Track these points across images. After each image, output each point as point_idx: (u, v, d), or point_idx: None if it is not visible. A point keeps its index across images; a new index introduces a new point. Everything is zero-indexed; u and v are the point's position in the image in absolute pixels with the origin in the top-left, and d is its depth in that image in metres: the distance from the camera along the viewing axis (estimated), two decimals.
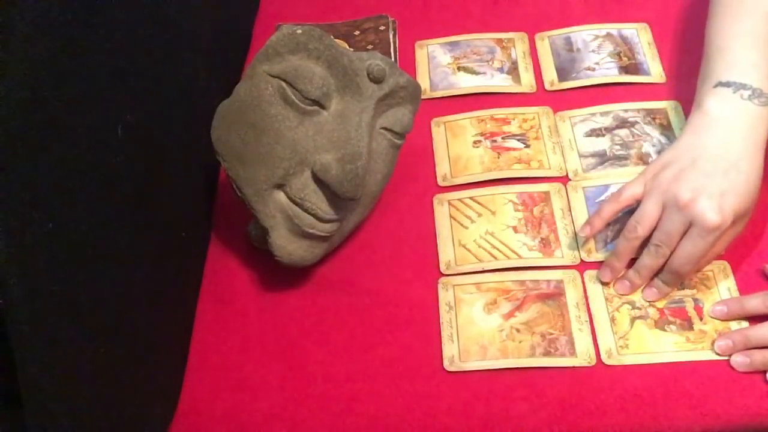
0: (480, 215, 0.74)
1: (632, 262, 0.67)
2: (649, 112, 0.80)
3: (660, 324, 0.65)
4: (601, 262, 0.69)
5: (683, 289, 0.66)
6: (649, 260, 0.65)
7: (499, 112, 0.82)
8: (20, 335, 0.44)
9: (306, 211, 0.64)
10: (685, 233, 0.63)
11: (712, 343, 0.63)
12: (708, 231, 0.62)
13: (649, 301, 0.66)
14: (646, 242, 0.66)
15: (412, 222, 0.74)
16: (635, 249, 0.66)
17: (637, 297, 0.66)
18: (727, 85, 0.67)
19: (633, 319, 0.65)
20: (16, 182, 0.43)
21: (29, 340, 0.45)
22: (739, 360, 0.61)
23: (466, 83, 0.85)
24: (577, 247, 0.70)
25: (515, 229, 0.72)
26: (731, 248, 0.68)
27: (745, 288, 0.66)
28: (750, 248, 0.68)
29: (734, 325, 0.64)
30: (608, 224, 0.69)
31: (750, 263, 0.68)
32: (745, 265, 0.68)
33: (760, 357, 0.60)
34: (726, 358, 0.62)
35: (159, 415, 0.63)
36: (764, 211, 0.70)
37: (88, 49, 0.52)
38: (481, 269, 0.70)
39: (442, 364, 0.64)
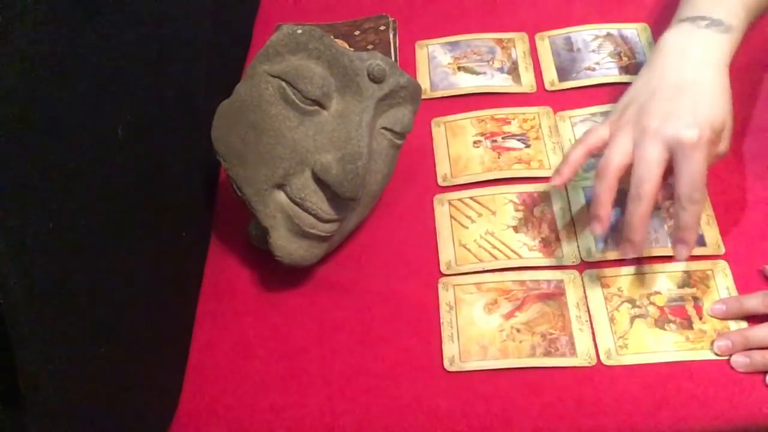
0: (480, 215, 0.74)
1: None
2: None
3: (660, 323, 0.65)
4: (602, 262, 0.69)
5: (683, 287, 0.66)
6: (634, 207, 0.61)
7: (500, 112, 0.82)
8: (20, 335, 0.44)
9: (306, 211, 0.64)
10: (664, 164, 0.60)
11: (712, 343, 0.63)
12: (691, 148, 0.59)
13: (682, 260, 0.62)
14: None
15: (413, 222, 0.74)
16: (612, 188, 0.62)
17: (637, 295, 0.66)
18: (686, 20, 0.67)
19: (633, 318, 0.65)
20: (16, 182, 0.43)
21: (29, 340, 0.45)
22: (739, 360, 0.61)
23: (466, 83, 0.85)
24: (578, 247, 0.70)
25: (515, 229, 0.72)
26: (731, 248, 0.68)
27: (744, 288, 0.66)
28: (750, 248, 0.68)
29: (733, 325, 0.64)
30: (610, 221, 0.67)
31: (750, 263, 0.68)
32: (744, 265, 0.67)
33: (760, 357, 0.60)
34: (725, 358, 0.62)
35: (159, 415, 0.63)
36: (764, 211, 0.70)
37: (88, 49, 0.52)
38: (481, 269, 0.70)
39: (442, 364, 0.64)
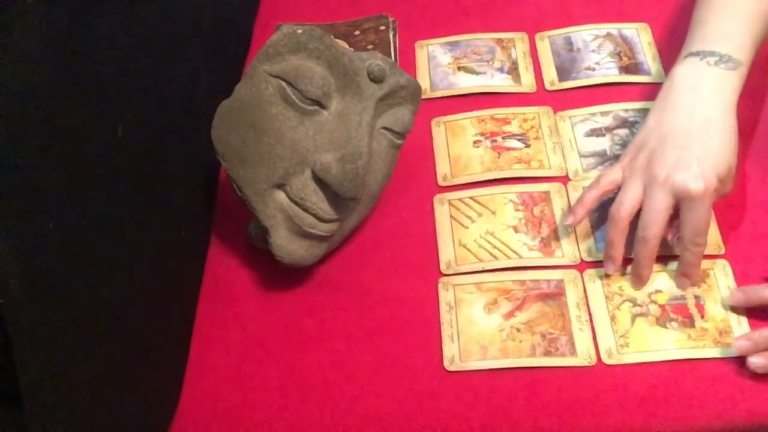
0: (480, 215, 0.74)
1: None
2: None
3: (661, 321, 0.65)
4: (602, 261, 0.69)
5: None
6: (641, 248, 0.65)
7: (500, 112, 0.82)
8: (20, 335, 0.44)
9: (306, 210, 0.64)
10: (671, 210, 0.63)
11: (715, 342, 0.63)
12: (697, 199, 0.61)
13: (684, 291, 0.66)
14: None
15: (413, 222, 0.74)
16: (624, 232, 0.65)
17: (638, 294, 0.66)
18: (696, 54, 0.68)
19: (634, 317, 0.65)
20: (16, 182, 0.43)
21: (29, 340, 0.45)
22: (758, 362, 0.60)
23: (466, 83, 0.85)
24: (578, 247, 0.70)
25: (515, 229, 0.72)
26: (731, 248, 0.68)
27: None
28: (750, 248, 0.68)
29: (734, 325, 0.64)
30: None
31: (750, 263, 0.68)
32: (745, 264, 0.67)
33: None
34: (727, 357, 0.62)
35: (159, 415, 0.63)
36: (764, 211, 0.70)
37: (88, 49, 0.52)
38: (481, 269, 0.70)
39: (442, 363, 0.64)
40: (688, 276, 0.66)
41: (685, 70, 0.68)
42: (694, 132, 0.64)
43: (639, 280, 0.66)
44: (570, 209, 0.70)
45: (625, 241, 0.66)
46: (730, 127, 0.65)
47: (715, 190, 0.63)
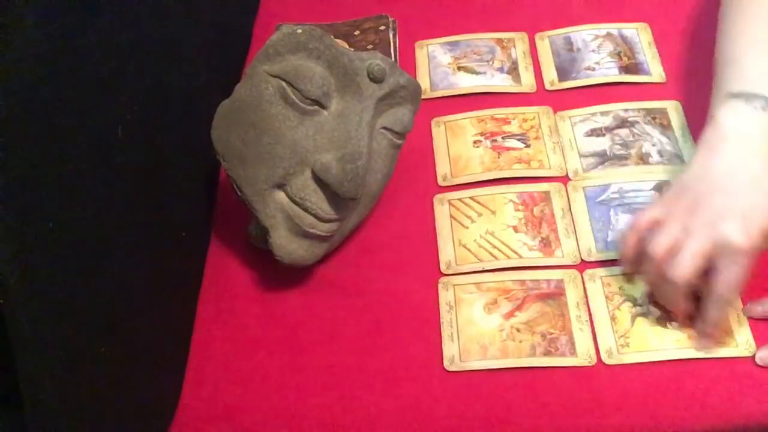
0: (480, 215, 0.74)
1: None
2: (649, 112, 0.79)
3: (661, 321, 0.65)
4: (602, 261, 0.69)
5: None
6: (667, 286, 0.62)
7: (500, 112, 0.82)
8: (20, 335, 0.44)
9: (306, 210, 0.64)
10: (706, 258, 0.60)
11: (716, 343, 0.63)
12: (738, 254, 0.59)
13: (705, 354, 0.63)
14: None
15: (413, 222, 0.74)
16: (659, 274, 0.62)
17: (638, 293, 0.66)
18: (738, 96, 0.65)
19: (634, 317, 0.65)
20: (16, 182, 0.43)
21: (29, 340, 0.45)
22: (764, 356, 0.61)
23: (466, 83, 0.85)
24: (578, 247, 0.70)
25: (515, 229, 0.72)
26: None
27: (744, 287, 0.66)
28: None
29: (734, 325, 0.64)
30: (611, 221, 0.70)
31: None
32: None
33: None
34: (729, 357, 0.62)
35: (159, 415, 0.63)
36: None
37: (88, 49, 0.52)
38: (481, 269, 0.70)
39: (442, 363, 0.64)
40: (709, 336, 0.62)
41: (731, 114, 0.64)
42: (742, 183, 0.61)
43: (681, 317, 0.64)
44: (620, 257, 0.67)
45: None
46: None
47: (757, 247, 0.59)
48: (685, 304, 0.62)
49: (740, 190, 0.61)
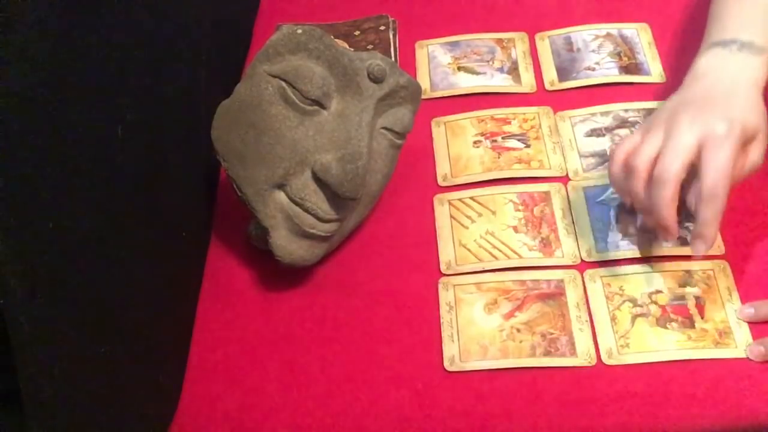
0: (480, 215, 0.74)
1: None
2: (649, 112, 0.79)
3: (661, 322, 0.65)
4: (602, 261, 0.69)
5: (684, 286, 0.66)
6: (656, 191, 0.60)
7: (500, 112, 0.82)
8: (20, 335, 0.44)
9: (306, 211, 0.64)
10: (692, 153, 0.60)
11: (714, 343, 0.63)
12: (721, 139, 0.59)
13: (699, 253, 0.62)
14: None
15: (413, 222, 0.74)
16: (645, 181, 0.62)
17: (638, 294, 0.66)
18: (717, 44, 0.67)
19: (634, 317, 0.65)
20: (16, 182, 0.43)
21: (29, 340, 0.45)
22: (756, 349, 0.61)
23: (466, 83, 0.85)
24: (578, 247, 0.70)
25: (515, 229, 0.72)
26: (731, 248, 0.68)
27: (745, 287, 0.66)
28: (750, 248, 0.68)
29: (734, 325, 0.64)
30: (611, 221, 0.70)
31: (750, 263, 0.68)
32: (745, 264, 0.67)
33: None
34: (731, 357, 0.62)
35: (159, 415, 0.63)
36: (764, 212, 0.70)
37: (88, 49, 0.52)
38: (481, 269, 0.70)
39: (442, 364, 0.64)
40: (704, 237, 0.61)
41: (708, 58, 0.66)
42: (718, 94, 0.62)
43: (668, 233, 0.62)
44: (617, 191, 0.66)
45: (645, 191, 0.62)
46: (756, 100, 0.62)
47: (739, 137, 0.59)
48: (674, 216, 0.61)
49: (717, 100, 0.62)
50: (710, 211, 0.60)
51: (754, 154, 0.62)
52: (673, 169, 0.59)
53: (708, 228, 0.60)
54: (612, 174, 0.66)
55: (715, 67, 0.66)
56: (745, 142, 0.61)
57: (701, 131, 0.60)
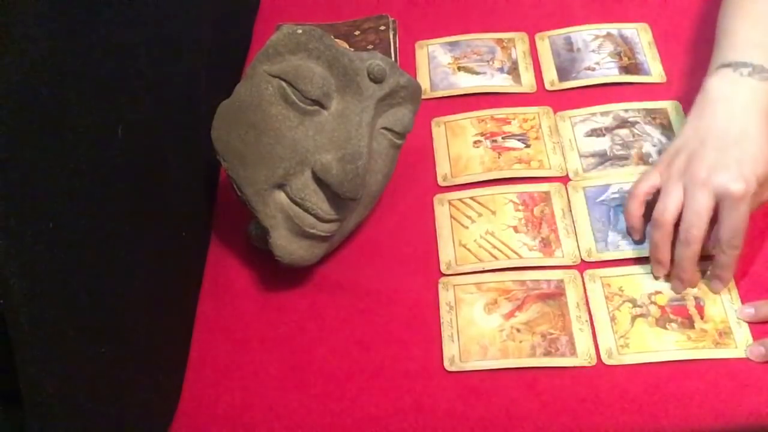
0: (480, 215, 0.74)
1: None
2: (650, 112, 0.79)
3: (661, 322, 0.65)
4: (602, 262, 0.69)
5: None
6: (684, 250, 0.64)
7: (500, 112, 0.82)
8: (20, 335, 0.44)
9: (306, 211, 0.64)
10: (712, 211, 0.63)
11: (714, 343, 0.63)
12: (737, 200, 0.61)
13: (719, 294, 0.66)
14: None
15: (413, 222, 0.74)
16: (669, 236, 0.65)
17: (638, 294, 0.66)
18: (728, 65, 0.68)
19: (634, 318, 0.65)
20: (16, 182, 0.43)
21: (29, 340, 0.45)
22: (756, 350, 0.62)
23: (466, 83, 0.85)
24: (578, 247, 0.70)
25: (516, 229, 0.72)
26: None
27: (744, 287, 0.66)
28: (750, 248, 0.68)
29: (735, 325, 0.64)
30: (611, 221, 0.71)
31: (750, 263, 0.68)
32: (744, 264, 0.67)
33: None
34: (731, 357, 0.62)
35: (159, 415, 0.63)
36: (764, 212, 0.70)
37: (88, 49, 0.52)
38: (481, 269, 0.70)
39: (442, 364, 0.64)
40: (721, 279, 0.65)
41: (719, 81, 0.68)
42: (732, 136, 0.64)
43: (680, 284, 0.66)
44: (630, 228, 0.69)
45: (669, 245, 0.66)
46: (766, 134, 0.65)
47: (754, 193, 0.62)
48: (695, 268, 0.65)
49: (731, 143, 0.64)
50: (728, 258, 0.64)
51: (765, 194, 0.65)
52: (696, 233, 0.63)
53: (726, 272, 0.65)
54: (630, 211, 0.69)
55: (727, 96, 0.67)
56: (758, 190, 0.63)
57: (719, 191, 0.62)
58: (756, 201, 0.64)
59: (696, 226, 0.63)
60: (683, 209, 0.64)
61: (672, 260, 0.66)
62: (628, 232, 0.70)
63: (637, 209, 0.68)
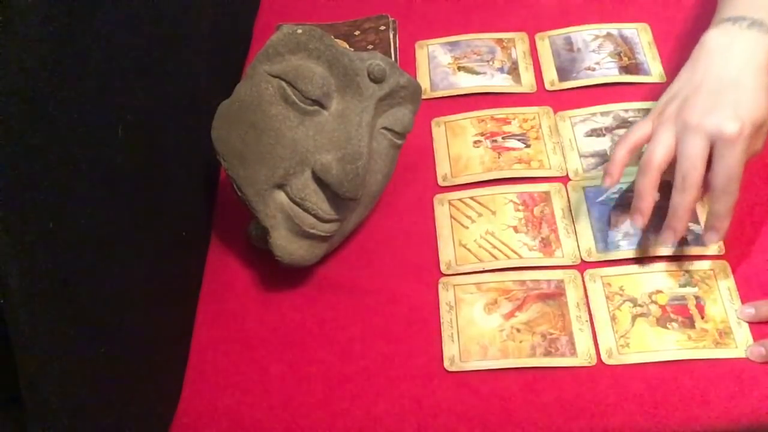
0: (480, 215, 0.74)
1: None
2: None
3: (662, 322, 0.65)
4: (602, 262, 0.69)
5: (685, 287, 0.66)
6: (679, 196, 0.62)
7: (500, 112, 0.82)
8: (20, 335, 0.44)
9: (306, 211, 0.64)
10: (707, 155, 0.61)
11: (714, 343, 0.63)
12: (731, 141, 0.60)
13: (712, 244, 0.65)
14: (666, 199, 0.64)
15: (413, 222, 0.74)
16: (655, 184, 0.64)
17: (638, 294, 0.66)
18: (727, 20, 0.67)
19: (634, 317, 0.65)
20: (16, 182, 0.43)
21: (29, 340, 0.45)
22: (756, 350, 0.61)
23: (466, 83, 0.85)
24: (578, 247, 0.70)
25: (516, 229, 0.72)
26: (731, 248, 0.68)
27: (745, 287, 0.66)
28: (750, 248, 0.68)
29: (734, 326, 0.64)
30: (611, 221, 0.69)
31: (750, 263, 0.68)
32: (744, 264, 0.67)
33: None
34: (730, 357, 0.62)
35: (159, 415, 0.63)
36: (763, 212, 0.70)
37: (88, 49, 0.52)
38: (481, 269, 0.70)
39: (442, 364, 0.64)
40: (716, 229, 0.63)
41: (717, 33, 0.67)
42: (727, 82, 0.63)
43: (672, 234, 0.64)
44: (605, 170, 0.68)
45: (655, 193, 0.64)
46: (763, 85, 0.63)
47: (749, 135, 0.61)
48: (687, 220, 0.64)
49: (726, 88, 0.63)
50: (723, 206, 0.62)
51: (758, 144, 0.64)
52: (693, 179, 0.62)
53: (720, 221, 0.63)
54: (614, 156, 0.67)
55: (724, 46, 0.66)
56: (753, 134, 0.62)
57: (712, 133, 0.61)
58: (750, 149, 0.63)
59: (691, 173, 0.61)
60: (677, 157, 0.63)
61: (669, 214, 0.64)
62: (603, 180, 0.67)
63: (622, 155, 0.66)
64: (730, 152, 0.60)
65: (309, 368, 0.65)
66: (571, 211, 0.73)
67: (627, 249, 0.69)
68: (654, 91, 0.82)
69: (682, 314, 0.65)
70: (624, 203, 0.72)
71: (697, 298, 0.66)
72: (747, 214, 0.70)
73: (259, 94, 0.63)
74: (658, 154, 0.63)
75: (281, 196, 0.65)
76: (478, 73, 0.86)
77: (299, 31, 0.63)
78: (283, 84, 0.63)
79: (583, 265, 0.69)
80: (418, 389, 0.63)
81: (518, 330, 0.65)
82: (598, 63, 0.85)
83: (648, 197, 0.64)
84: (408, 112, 0.67)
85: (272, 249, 0.66)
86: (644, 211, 0.65)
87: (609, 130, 0.79)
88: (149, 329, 0.61)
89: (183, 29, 0.72)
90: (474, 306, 0.67)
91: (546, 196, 0.74)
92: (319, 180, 0.63)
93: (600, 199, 0.73)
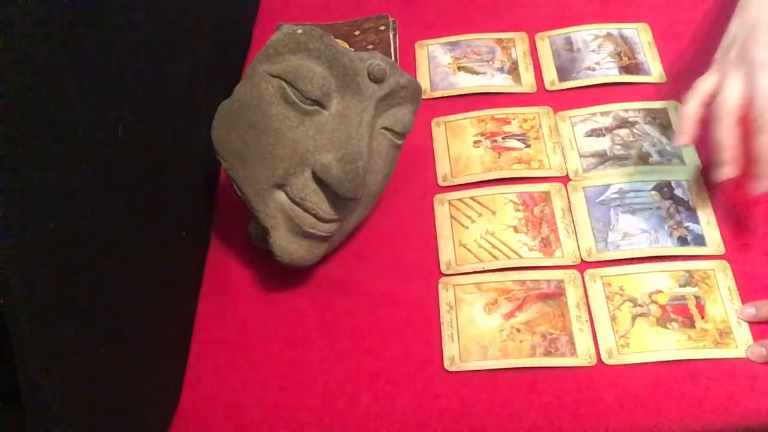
0: (480, 215, 0.74)
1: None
2: (650, 112, 0.79)
3: (662, 321, 0.65)
4: (602, 261, 0.69)
5: (685, 286, 0.66)
6: (765, 136, 0.60)
7: (500, 112, 0.82)
8: (20, 335, 0.44)
9: (306, 211, 0.64)
10: None
11: (715, 343, 0.63)
12: None
13: (758, 191, 0.62)
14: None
15: (413, 222, 0.74)
16: (733, 130, 0.62)
17: (639, 294, 0.66)
18: None
19: (634, 317, 0.65)
20: (16, 182, 0.43)
21: (29, 340, 0.45)
22: (757, 350, 0.61)
23: (466, 83, 0.85)
24: (578, 247, 0.70)
25: (516, 229, 0.72)
26: (731, 248, 0.68)
27: (745, 287, 0.66)
28: (750, 248, 0.68)
29: (734, 326, 0.64)
30: (611, 221, 0.69)
31: (750, 263, 0.68)
32: (745, 264, 0.67)
33: None
34: (730, 357, 0.62)
35: (159, 415, 0.63)
36: (764, 211, 0.70)
37: (88, 49, 0.52)
38: (481, 269, 0.70)
39: (442, 364, 0.64)
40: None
41: None
42: None
43: (765, 178, 0.61)
44: (678, 129, 0.66)
45: (735, 141, 0.62)
46: None
47: None
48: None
49: None
50: None
51: None
52: None
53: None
54: (687, 112, 0.65)
55: None
56: None
57: None
58: None
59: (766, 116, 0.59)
60: (753, 98, 0.61)
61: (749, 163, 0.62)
62: (678, 139, 0.65)
63: (693, 110, 0.64)
64: None
65: (309, 368, 0.65)
66: (571, 211, 0.73)
67: (627, 249, 0.69)
68: (654, 91, 0.82)
69: (682, 314, 0.65)
70: (624, 203, 0.72)
71: (697, 298, 0.66)
72: (747, 214, 0.70)
73: (259, 94, 0.63)
74: (731, 99, 0.62)
75: (281, 196, 0.65)
76: (478, 73, 0.86)
77: (299, 31, 0.63)
78: (283, 84, 0.63)
79: (583, 265, 0.69)
80: (418, 389, 0.63)
81: (518, 330, 0.65)
82: (598, 63, 0.85)
83: (729, 145, 0.62)
84: (408, 112, 0.67)
85: (272, 249, 0.66)
86: (730, 160, 0.62)
87: (609, 130, 0.79)
88: (149, 329, 0.61)
89: (183, 29, 0.72)
90: (474, 306, 0.67)
91: (546, 196, 0.74)
92: (319, 180, 0.63)
93: (600, 199, 0.73)
